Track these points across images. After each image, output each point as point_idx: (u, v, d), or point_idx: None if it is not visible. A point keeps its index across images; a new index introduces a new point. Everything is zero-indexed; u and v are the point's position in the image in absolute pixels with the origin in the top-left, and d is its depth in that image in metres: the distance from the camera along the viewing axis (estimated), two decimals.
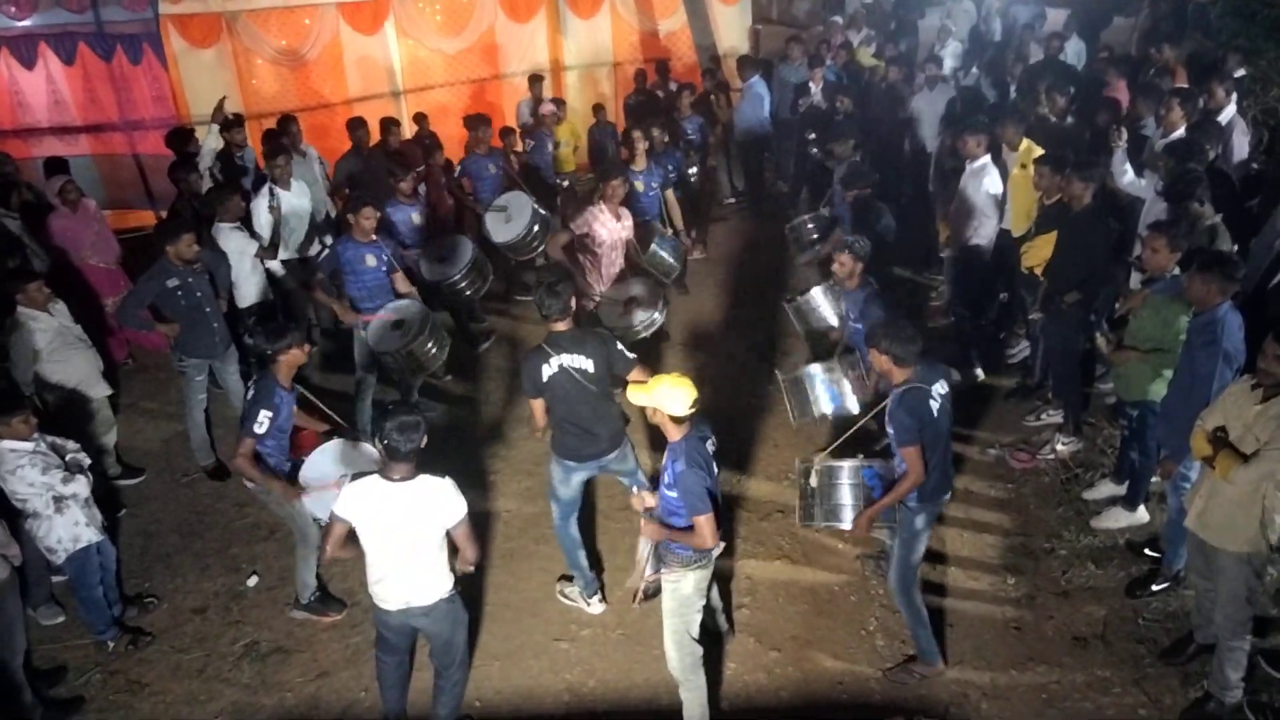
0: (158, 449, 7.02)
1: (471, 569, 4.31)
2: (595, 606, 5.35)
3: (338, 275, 6.44)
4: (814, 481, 4.76)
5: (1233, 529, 4.09)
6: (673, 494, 4.06)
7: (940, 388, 4.39)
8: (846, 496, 4.74)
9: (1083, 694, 4.63)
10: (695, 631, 4.35)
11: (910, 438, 4.29)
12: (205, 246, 6.64)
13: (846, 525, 4.74)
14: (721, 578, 5.37)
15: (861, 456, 4.80)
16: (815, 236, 7.50)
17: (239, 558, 5.95)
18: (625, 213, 6.95)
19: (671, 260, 7.28)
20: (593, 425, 4.90)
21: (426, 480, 3.98)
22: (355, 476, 4.19)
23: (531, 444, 6.86)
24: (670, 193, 8.10)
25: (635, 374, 4.81)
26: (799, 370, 5.77)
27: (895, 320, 4.58)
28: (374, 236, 6.41)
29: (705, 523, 4.01)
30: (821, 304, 6.37)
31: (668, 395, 3.99)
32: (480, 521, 6.12)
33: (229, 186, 7.30)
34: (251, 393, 4.93)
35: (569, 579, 5.48)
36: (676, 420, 4.03)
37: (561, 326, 4.84)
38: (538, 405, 4.87)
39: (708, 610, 4.65)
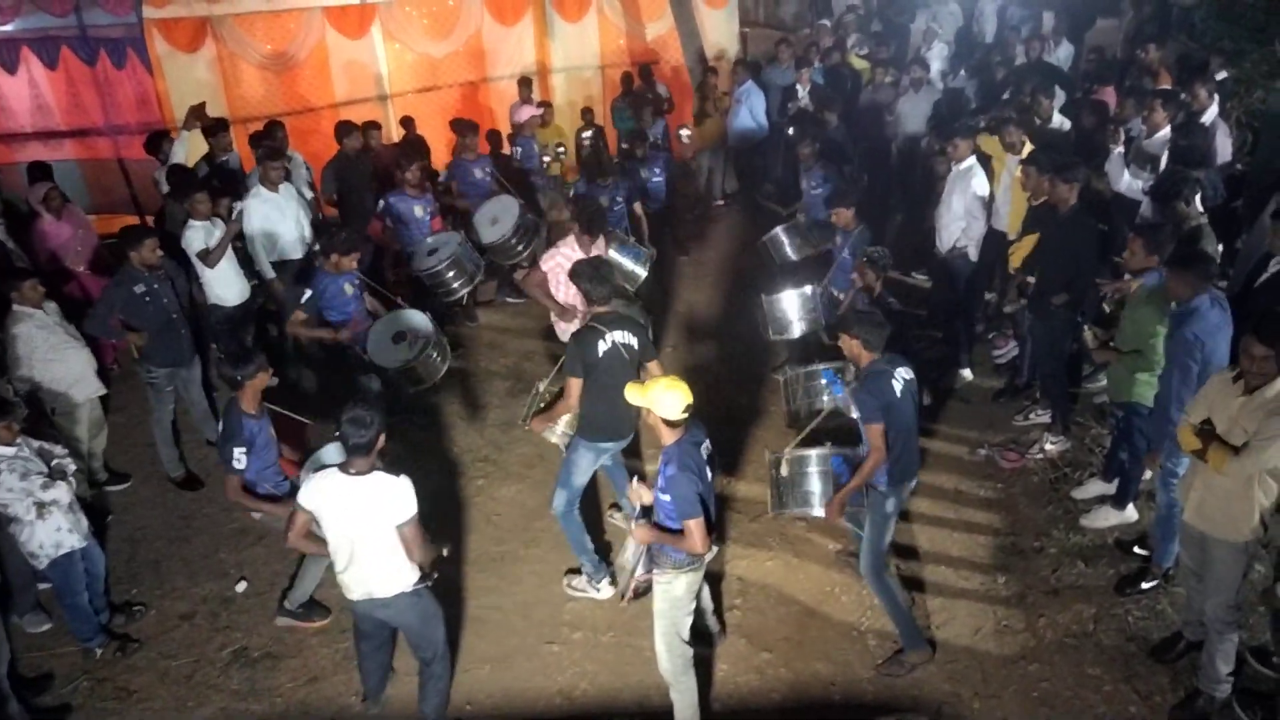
0: (144, 455, 6.96)
1: (444, 551, 4.40)
2: (605, 591, 5.37)
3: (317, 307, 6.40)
4: (784, 471, 4.91)
5: (1230, 518, 4.13)
6: (665, 498, 4.07)
7: (904, 373, 4.58)
8: (816, 484, 4.90)
9: (1073, 692, 4.65)
10: (685, 633, 4.35)
11: (874, 415, 4.46)
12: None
13: (817, 511, 4.89)
14: (713, 579, 5.37)
15: (829, 444, 4.98)
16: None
17: (227, 563, 5.91)
18: (599, 243, 6.71)
19: (631, 266, 7.06)
20: (628, 404, 4.95)
21: (382, 477, 4.04)
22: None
23: (521, 448, 6.86)
24: (638, 206, 8.07)
25: (654, 365, 5.10)
26: (810, 367, 5.75)
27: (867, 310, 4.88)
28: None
29: (695, 527, 4.01)
30: (789, 310, 6.53)
31: (662, 398, 3.99)
32: (470, 525, 6.12)
33: (192, 185, 7.20)
34: (221, 427, 4.93)
35: (574, 572, 5.49)
36: (670, 424, 4.03)
37: (606, 308, 5.07)
38: (577, 385, 4.94)
39: (699, 611, 4.65)
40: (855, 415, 4.63)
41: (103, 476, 6.58)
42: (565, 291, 6.37)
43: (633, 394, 4.13)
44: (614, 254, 6.98)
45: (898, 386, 4.52)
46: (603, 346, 4.92)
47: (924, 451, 6.36)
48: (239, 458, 4.81)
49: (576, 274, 5.19)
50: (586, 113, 10.80)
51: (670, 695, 4.43)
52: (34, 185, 7.70)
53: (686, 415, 4.02)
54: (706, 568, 4.34)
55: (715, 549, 4.27)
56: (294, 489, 4.99)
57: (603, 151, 9.73)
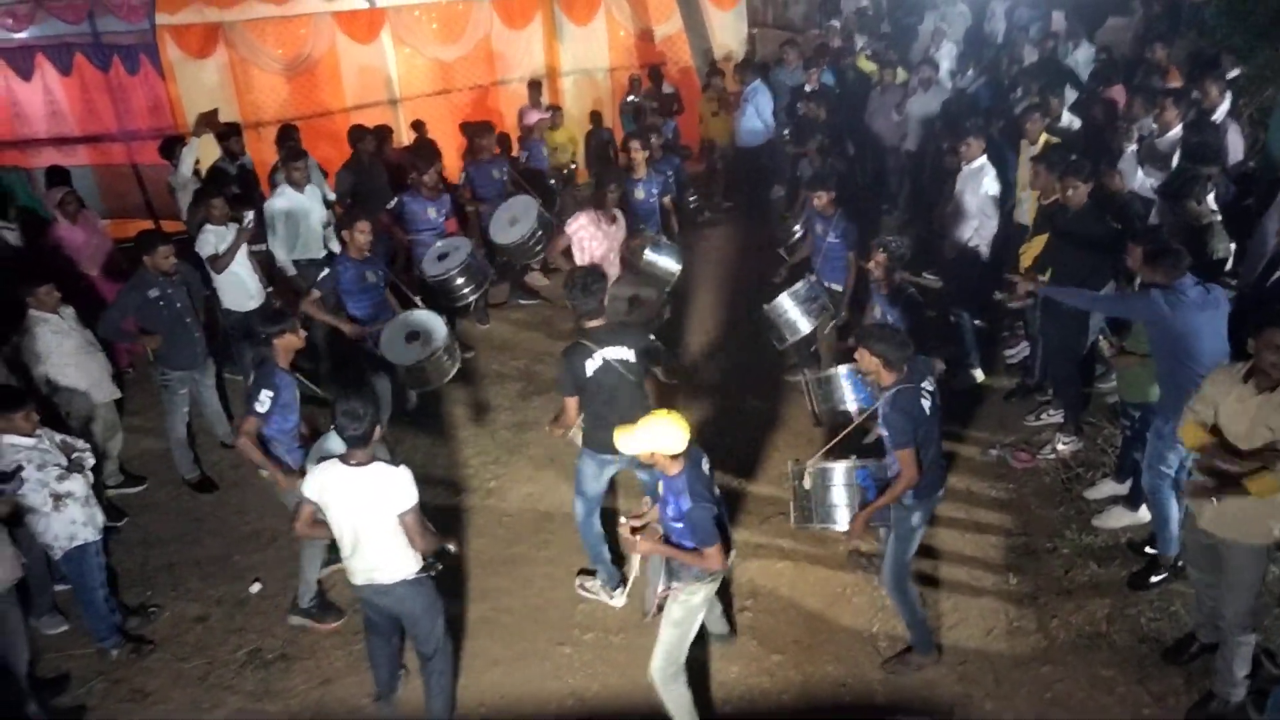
0: (159, 457, 7.00)
1: (450, 547, 4.42)
2: (618, 599, 5.36)
3: (337, 294, 6.48)
4: (807, 484, 4.77)
5: (1255, 522, 4.06)
6: (679, 525, 4.01)
7: (929, 385, 4.40)
8: (841, 498, 4.76)
9: (1086, 693, 4.63)
10: (686, 647, 4.31)
11: (905, 439, 4.28)
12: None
13: (842, 527, 4.74)
14: (723, 580, 5.36)
15: (855, 458, 4.83)
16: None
17: (241, 565, 5.95)
18: (619, 216, 6.97)
19: (666, 265, 7.19)
20: (630, 416, 4.86)
21: (381, 468, 4.11)
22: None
23: (533, 450, 6.88)
24: (669, 199, 8.10)
25: (659, 368, 5.02)
26: (830, 370, 5.74)
27: (886, 324, 4.69)
28: (368, 253, 6.44)
29: (714, 553, 3.99)
30: (789, 310, 6.50)
31: (663, 435, 3.90)
32: (481, 527, 6.14)
33: (209, 190, 7.26)
34: (253, 378, 5.04)
35: (589, 573, 5.50)
36: (675, 456, 3.96)
37: (597, 322, 4.90)
38: (572, 403, 4.87)
39: (711, 614, 4.64)
40: (884, 436, 4.43)
41: (117, 479, 6.63)
42: (588, 258, 6.58)
43: (626, 441, 3.99)
44: (649, 255, 7.07)
45: (926, 405, 4.32)
46: (592, 365, 4.76)
47: None
48: (263, 399, 4.91)
49: (568, 283, 5.00)
50: (595, 115, 10.81)
51: (663, 699, 4.37)
52: (50, 190, 7.77)
53: (690, 443, 3.95)
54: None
55: (734, 554, 4.22)
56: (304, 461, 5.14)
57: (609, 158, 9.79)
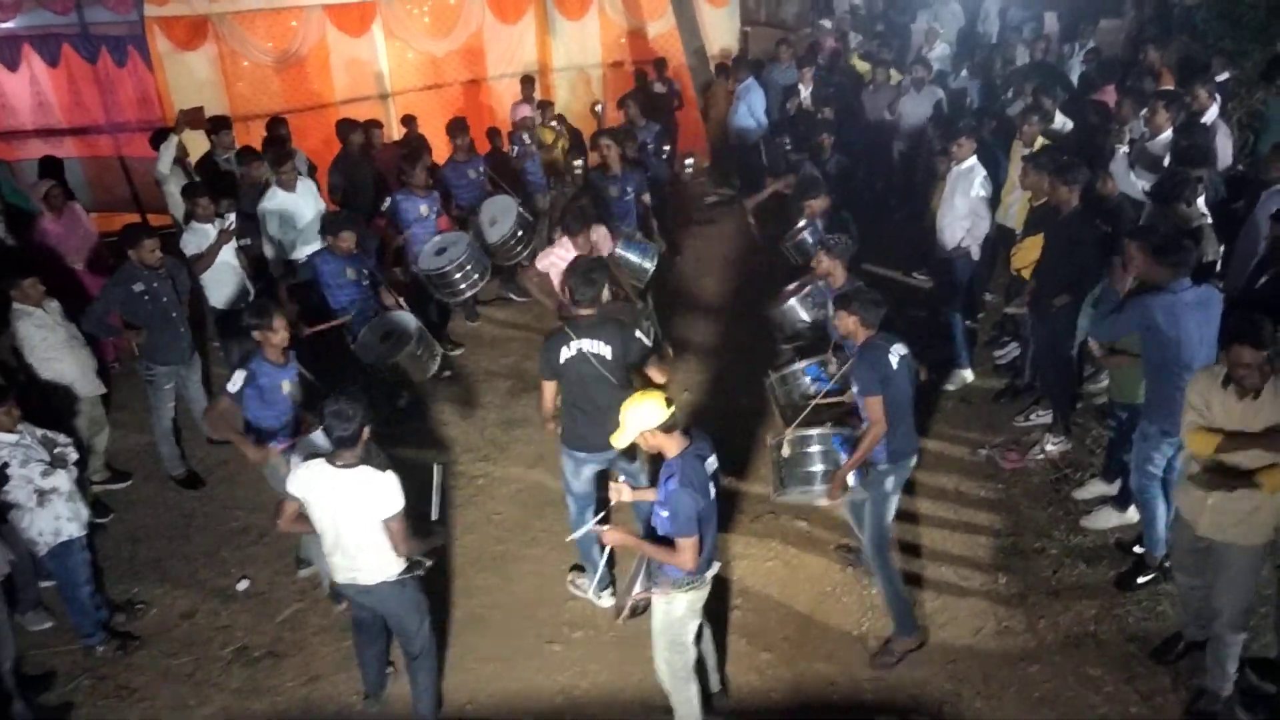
0: (145, 453, 6.95)
1: (427, 563, 4.40)
2: (605, 600, 5.34)
3: (318, 288, 6.45)
4: (786, 452, 4.88)
5: (1255, 524, 4.06)
6: (664, 513, 3.95)
7: (900, 349, 4.64)
8: (817, 464, 4.88)
9: (1075, 693, 4.65)
10: (690, 651, 4.26)
11: (872, 387, 4.52)
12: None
13: (819, 489, 4.84)
14: (716, 594, 5.29)
15: (830, 424, 4.96)
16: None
17: (228, 561, 5.91)
18: (602, 240, 6.68)
19: (638, 262, 7.07)
20: (605, 414, 4.79)
21: (368, 471, 4.06)
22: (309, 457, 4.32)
23: (521, 447, 6.87)
24: (645, 198, 7.99)
25: (652, 367, 4.97)
26: (792, 366, 5.74)
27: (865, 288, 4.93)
28: (354, 251, 6.41)
29: (688, 545, 3.87)
30: (799, 312, 6.43)
31: (639, 413, 3.89)
32: (470, 524, 6.12)
33: (197, 185, 7.19)
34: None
35: (580, 569, 5.49)
36: (667, 429, 3.92)
37: (586, 312, 4.93)
38: (550, 388, 4.93)
39: (705, 663, 4.59)
40: (854, 390, 4.68)
41: (103, 475, 6.58)
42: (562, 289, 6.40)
43: (619, 439, 4.01)
44: (620, 251, 6.97)
45: (894, 360, 4.58)
46: (565, 353, 4.80)
47: (925, 452, 6.37)
48: (235, 379, 4.97)
49: (570, 270, 5.09)
50: (560, 119, 10.63)
51: (671, 701, 4.40)
52: (36, 182, 7.70)
53: (674, 410, 3.92)
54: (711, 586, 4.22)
55: (717, 565, 4.17)
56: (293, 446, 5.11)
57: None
